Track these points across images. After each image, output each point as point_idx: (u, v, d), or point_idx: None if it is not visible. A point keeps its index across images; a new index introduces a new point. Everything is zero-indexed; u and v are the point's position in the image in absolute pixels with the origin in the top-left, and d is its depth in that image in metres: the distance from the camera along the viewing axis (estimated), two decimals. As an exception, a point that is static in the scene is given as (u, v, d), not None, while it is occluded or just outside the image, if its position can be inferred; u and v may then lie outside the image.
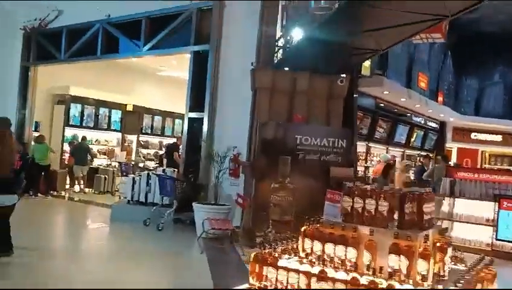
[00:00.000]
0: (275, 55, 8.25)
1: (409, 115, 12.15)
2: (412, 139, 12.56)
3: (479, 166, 15.03)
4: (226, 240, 7.98)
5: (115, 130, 16.92)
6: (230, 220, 7.86)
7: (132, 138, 17.87)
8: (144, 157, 17.26)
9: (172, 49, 10.78)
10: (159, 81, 18.23)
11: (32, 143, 12.97)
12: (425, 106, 11.58)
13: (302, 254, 3.58)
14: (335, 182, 7.49)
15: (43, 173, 12.34)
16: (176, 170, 10.25)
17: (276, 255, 3.48)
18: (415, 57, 11.15)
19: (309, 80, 8.17)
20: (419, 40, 9.14)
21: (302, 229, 3.74)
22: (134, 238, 8.23)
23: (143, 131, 18.22)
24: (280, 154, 7.62)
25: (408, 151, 12.42)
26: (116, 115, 16.94)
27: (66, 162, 13.65)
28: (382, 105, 10.70)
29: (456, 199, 9.06)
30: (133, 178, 9.85)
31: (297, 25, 7.09)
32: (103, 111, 16.48)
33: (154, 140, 18.82)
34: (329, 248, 3.41)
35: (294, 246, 3.79)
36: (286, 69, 8.12)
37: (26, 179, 12.15)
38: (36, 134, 13.95)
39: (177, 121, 19.64)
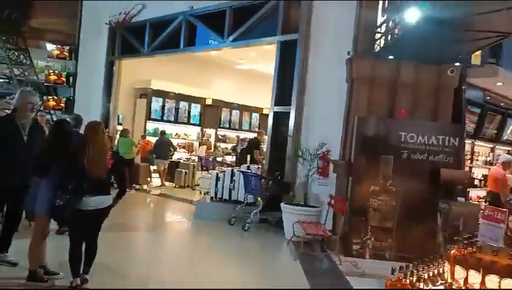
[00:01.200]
0: (376, 42, 7.40)
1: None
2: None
3: None
4: (317, 246, 7.33)
5: (194, 124, 16.82)
6: (323, 225, 7.18)
7: (210, 132, 17.72)
8: (222, 151, 17.01)
9: (257, 40, 10.23)
10: (237, 74, 17.89)
11: (117, 137, 13.08)
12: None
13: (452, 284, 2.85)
14: (446, 186, 6.59)
15: (127, 167, 12.36)
16: (259, 166, 9.75)
17: (421, 285, 2.77)
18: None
19: (414, 69, 7.26)
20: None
21: (451, 252, 3.00)
22: (221, 238, 7.80)
23: (221, 125, 18.02)
24: (381, 153, 6.85)
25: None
26: (196, 109, 16.84)
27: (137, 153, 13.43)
28: (489, 98, 9.46)
29: None
30: (217, 174, 9.46)
31: (404, 5, 6.21)
32: (183, 105, 16.43)
33: (232, 134, 18.56)
34: (492, 280, 2.66)
35: (435, 271, 3.05)
36: (389, 58, 7.25)
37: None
38: (120, 128, 14.11)
39: (254, 115, 19.27)
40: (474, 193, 9.21)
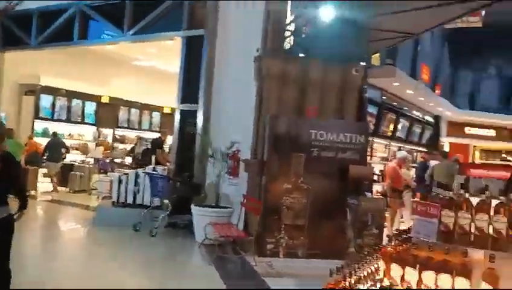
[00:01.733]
0: (286, 40, 7.40)
1: (406, 108, 11.59)
2: (411, 134, 12.03)
3: (470, 161, 14.72)
4: (229, 248, 7.14)
5: (89, 124, 15.69)
6: (235, 226, 7.00)
7: (107, 132, 16.69)
8: (121, 152, 16.10)
9: (160, 34, 9.76)
10: (136, 71, 17.06)
11: None
12: (429, 98, 11.04)
13: (386, 282, 2.80)
14: (354, 182, 6.77)
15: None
16: (166, 168, 9.30)
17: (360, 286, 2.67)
18: (419, 47, 10.56)
19: (322, 68, 7.38)
20: (453, 24, 8.51)
21: (386, 250, 2.96)
22: (126, 246, 7.27)
23: (119, 124, 17.06)
24: (293, 151, 6.84)
25: (407, 147, 11.88)
26: (91, 107, 15.72)
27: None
28: (385, 98, 10.07)
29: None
30: (119, 177, 8.82)
31: (312, 4, 6.28)
32: (76, 103, 15.24)
33: (131, 134, 17.67)
34: (429, 277, 2.65)
35: (369, 270, 2.99)
36: (298, 56, 7.29)
37: None
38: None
39: (154, 114, 18.57)
40: (373, 188, 9.69)
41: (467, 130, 14.97)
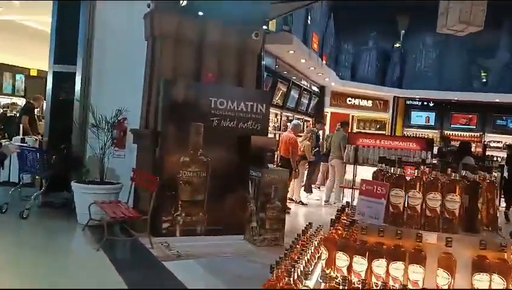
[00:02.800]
0: (181, -4, 6.64)
1: (295, 78, 11.57)
2: (300, 104, 12.10)
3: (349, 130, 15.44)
4: (117, 228, 6.40)
5: None
6: (125, 204, 6.24)
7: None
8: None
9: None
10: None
11: None
12: (319, 69, 11.11)
13: (332, 274, 2.44)
14: (256, 153, 6.43)
15: None
16: (37, 138, 8.03)
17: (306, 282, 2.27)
18: (310, 15, 10.47)
19: (221, 30, 6.80)
20: None
21: (325, 235, 2.59)
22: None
23: (-27, 88, 14.62)
24: (191, 121, 6.26)
25: (297, 116, 11.94)
26: None
27: None
28: (278, 66, 9.86)
29: (359, 166, 8.80)
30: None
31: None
32: None
33: (-11, 99, 15.31)
34: (379, 266, 2.35)
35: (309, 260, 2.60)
36: (196, 14, 6.60)
37: None
38: None
39: (18, 76, 16.26)
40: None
41: (348, 100, 15.66)
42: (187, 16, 6.58)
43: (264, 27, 7.00)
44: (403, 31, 16.17)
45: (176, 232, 6.24)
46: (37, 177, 7.56)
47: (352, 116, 16.07)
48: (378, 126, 16.16)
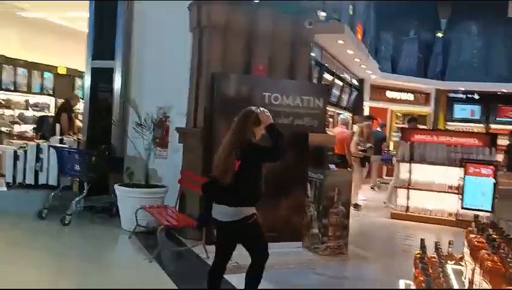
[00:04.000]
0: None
1: (337, 70, 10.94)
2: (341, 98, 11.48)
3: (388, 125, 14.74)
4: (162, 236, 5.94)
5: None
6: (173, 209, 5.77)
7: (-17, 95, 13.98)
8: (10, 121, 13.61)
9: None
10: (20, 23, 14.40)
11: None
12: (366, 60, 10.47)
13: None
14: (315, 153, 5.87)
15: None
16: (76, 139, 7.63)
17: None
18: (354, 5, 9.82)
19: (273, 18, 6.25)
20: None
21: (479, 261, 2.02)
22: (29, 239, 5.64)
23: (2, 87, 14.37)
24: (243, 118, 5.71)
25: (338, 111, 11.33)
26: (-35, 65, 12.92)
27: None
28: (323, 58, 9.26)
29: (414, 164, 8.15)
30: (15, 151, 6.98)
31: None
32: None
33: (19, 98, 15.05)
34: None
35: None
36: (246, 2, 6.06)
37: None
38: None
39: (46, 75, 15.98)
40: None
41: (388, 94, 14.93)
42: (236, 5, 6.05)
43: (322, 13, 6.42)
44: (445, 20, 15.33)
45: (229, 239, 5.73)
46: (75, 180, 7.15)
47: (392, 110, 15.32)
48: (418, 121, 15.31)
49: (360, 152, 8.82)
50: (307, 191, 5.80)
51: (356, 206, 8.37)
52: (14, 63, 14.49)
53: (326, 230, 5.53)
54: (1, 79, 14.21)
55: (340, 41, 8.09)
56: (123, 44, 7.16)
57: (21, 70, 14.95)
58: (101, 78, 7.43)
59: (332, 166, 5.76)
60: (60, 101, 16.17)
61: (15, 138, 10.90)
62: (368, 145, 8.90)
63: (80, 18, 14.05)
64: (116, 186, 6.19)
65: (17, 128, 13.96)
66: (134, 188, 6.10)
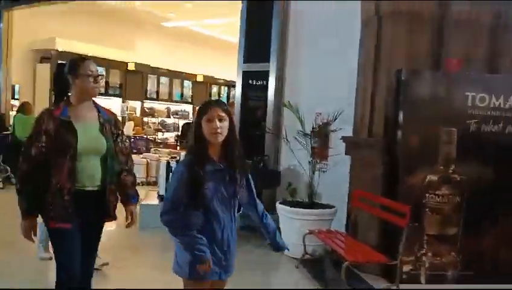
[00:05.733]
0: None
1: None
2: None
3: None
4: (326, 261, 5.01)
5: (113, 95, 13.55)
6: (347, 235, 4.79)
7: (135, 104, 14.57)
8: (154, 129, 14.02)
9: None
10: (164, 33, 14.81)
11: (14, 114, 9.59)
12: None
13: None
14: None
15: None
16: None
17: None
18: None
19: (470, 2, 4.98)
20: None
21: None
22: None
23: (147, 96, 14.89)
24: (438, 125, 4.54)
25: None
26: (115, 76, 13.53)
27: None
28: None
29: None
30: (168, 163, 6.63)
31: None
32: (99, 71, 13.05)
33: (160, 106, 15.52)
34: None
35: None
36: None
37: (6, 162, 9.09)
38: (16, 102, 10.66)
39: (186, 83, 16.30)
40: None
41: None
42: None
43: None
44: None
45: (419, 278, 4.58)
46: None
47: None
48: None
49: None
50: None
51: None
52: (158, 72, 14.95)
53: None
54: (146, 88, 14.75)
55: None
56: (278, 45, 6.43)
57: (163, 79, 15.41)
58: (253, 82, 6.79)
59: None
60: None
61: (161, 146, 10.97)
62: None
63: (217, 25, 14.10)
64: (278, 205, 5.40)
65: (159, 136, 14.33)
66: (298, 208, 5.25)
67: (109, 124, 2.80)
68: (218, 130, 2.27)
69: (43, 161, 2.60)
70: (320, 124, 6.03)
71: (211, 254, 2.29)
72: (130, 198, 2.89)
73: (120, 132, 2.89)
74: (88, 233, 2.73)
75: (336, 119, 5.39)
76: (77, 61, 2.75)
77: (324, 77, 6.10)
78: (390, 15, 4.92)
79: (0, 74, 10.66)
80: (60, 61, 10.99)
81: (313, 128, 5.76)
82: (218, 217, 2.34)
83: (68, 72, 2.73)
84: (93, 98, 2.81)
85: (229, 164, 2.39)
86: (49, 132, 2.60)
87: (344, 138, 5.47)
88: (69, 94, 2.76)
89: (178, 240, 2.31)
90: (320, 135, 5.98)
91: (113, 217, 2.84)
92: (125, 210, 2.90)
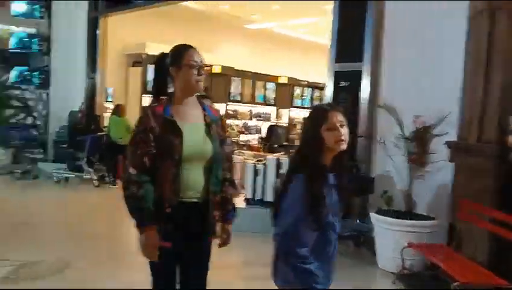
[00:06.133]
0: None
1: None
2: None
3: None
4: (425, 278, 4.57)
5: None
6: (453, 251, 4.35)
7: (219, 106, 14.73)
8: (238, 131, 14.10)
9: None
10: (247, 35, 14.89)
11: (109, 116, 10.07)
12: None
13: None
14: None
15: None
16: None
17: None
18: None
19: None
20: None
21: None
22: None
23: (231, 98, 15.01)
24: None
25: None
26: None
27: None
28: None
29: None
30: (254, 166, 6.53)
31: None
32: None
33: (243, 109, 15.59)
34: None
35: None
36: None
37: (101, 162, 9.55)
38: (110, 104, 11.21)
39: (268, 85, 16.22)
40: None
41: None
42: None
43: None
44: None
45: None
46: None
47: None
48: None
49: None
50: None
51: None
52: (242, 74, 15.02)
53: None
54: (230, 91, 14.89)
55: None
56: (372, 44, 6.08)
57: (246, 82, 15.47)
58: (346, 82, 6.49)
59: None
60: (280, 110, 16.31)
61: (244, 148, 10.94)
62: None
63: (300, 25, 13.89)
64: (373, 214, 5.06)
65: (242, 138, 14.38)
66: (396, 219, 4.87)
67: (216, 125, 2.43)
68: (342, 137, 2.03)
69: (152, 163, 2.25)
70: (419, 127, 5.59)
71: (321, 269, 2.06)
72: (229, 214, 2.51)
73: (226, 134, 2.57)
74: (190, 254, 2.40)
75: (441, 122, 4.92)
76: (180, 50, 2.40)
77: (423, 78, 5.67)
78: (505, 8, 4.40)
79: (97, 78, 11.23)
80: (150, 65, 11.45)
81: (414, 131, 5.34)
82: (334, 227, 2.11)
83: (170, 64, 2.38)
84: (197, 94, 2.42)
85: (339, 170, 2.15)
86: (154, 130, 2.25)
87: (449, 143, 5.02)
88: (170, 90, 2.43)
89: (290, 270, 2.04)
90: (423, 140, 5.54)
91: (215, 234, 2.47)
92: (221, 227, 2.49)
